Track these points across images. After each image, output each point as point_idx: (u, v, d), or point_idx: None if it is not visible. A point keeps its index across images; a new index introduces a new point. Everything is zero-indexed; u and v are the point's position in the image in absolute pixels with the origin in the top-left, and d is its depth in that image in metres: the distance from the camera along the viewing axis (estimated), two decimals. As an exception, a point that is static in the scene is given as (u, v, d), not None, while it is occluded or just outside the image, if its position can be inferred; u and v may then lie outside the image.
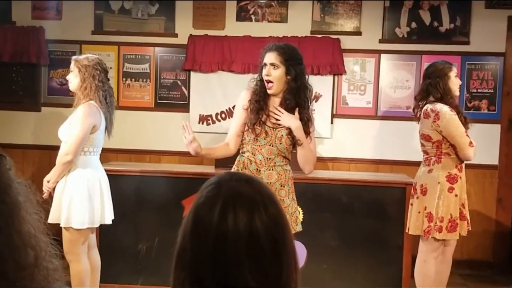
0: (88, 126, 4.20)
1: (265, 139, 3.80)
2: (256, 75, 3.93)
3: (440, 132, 4.34)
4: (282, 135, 3.79)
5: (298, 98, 3.78)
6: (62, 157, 4.21)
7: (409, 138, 5.89)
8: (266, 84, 3.81)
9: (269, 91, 3.81)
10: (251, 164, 3.81)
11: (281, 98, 3.83)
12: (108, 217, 4.39)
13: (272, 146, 3.80)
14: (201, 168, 5.69)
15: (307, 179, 4.95)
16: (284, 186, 3.83)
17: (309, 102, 3.88)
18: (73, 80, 4.32)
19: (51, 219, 4.15)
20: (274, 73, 3.77)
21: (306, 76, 3.87)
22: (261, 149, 3.80)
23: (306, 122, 3.81)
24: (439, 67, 4.50)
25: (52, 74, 6.50)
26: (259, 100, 3.82)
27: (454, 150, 4.36)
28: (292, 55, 3.80)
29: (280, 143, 3.79)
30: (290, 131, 3.80)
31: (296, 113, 3.79)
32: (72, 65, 4.33)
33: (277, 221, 1.37)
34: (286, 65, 3.75)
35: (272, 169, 3.80)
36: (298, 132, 3.78)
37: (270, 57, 3.79)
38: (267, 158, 3.80)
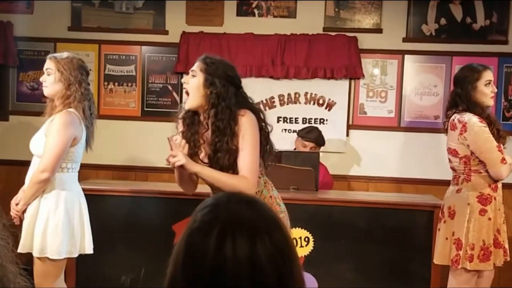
0: (68, 138, 4.02)
1: None
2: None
3: (467, 146, 4.33)
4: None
5: (219, 122, 3.60)
6: (37, 174, 4.02)
7: (437, 153, 5.87)
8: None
9: (185, 106, 3.78)
10: None
11: (205, 120, 3.71)
12: (89, 246, 4.25)
13: None
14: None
15: (317, 200, 4.94)
16: None
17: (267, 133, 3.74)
18: (53, 85, 4.09)
19: (22, 248, 4.00)
20: (191, 81, 3.73)
21: (250, 100, 3.76)
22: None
23: (225, 152, 3.59)
24: (463, 75, 4.45)
25: (21, 77, 6.52)
26: (187, 130, 3.77)
27: (485, 167, 4.35)
28: (219, 67, 3.69)
29: None
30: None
31: None
32: (51, 66, 4.10)
33: (283, 250, 1.37)
34: (205, 75, 3.66)
35: None
36: None
37: (194, 66, 3.76)
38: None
